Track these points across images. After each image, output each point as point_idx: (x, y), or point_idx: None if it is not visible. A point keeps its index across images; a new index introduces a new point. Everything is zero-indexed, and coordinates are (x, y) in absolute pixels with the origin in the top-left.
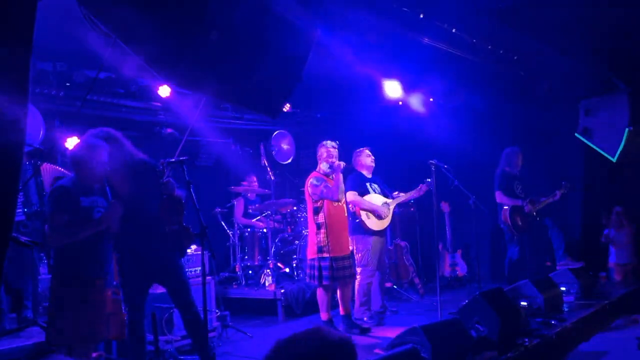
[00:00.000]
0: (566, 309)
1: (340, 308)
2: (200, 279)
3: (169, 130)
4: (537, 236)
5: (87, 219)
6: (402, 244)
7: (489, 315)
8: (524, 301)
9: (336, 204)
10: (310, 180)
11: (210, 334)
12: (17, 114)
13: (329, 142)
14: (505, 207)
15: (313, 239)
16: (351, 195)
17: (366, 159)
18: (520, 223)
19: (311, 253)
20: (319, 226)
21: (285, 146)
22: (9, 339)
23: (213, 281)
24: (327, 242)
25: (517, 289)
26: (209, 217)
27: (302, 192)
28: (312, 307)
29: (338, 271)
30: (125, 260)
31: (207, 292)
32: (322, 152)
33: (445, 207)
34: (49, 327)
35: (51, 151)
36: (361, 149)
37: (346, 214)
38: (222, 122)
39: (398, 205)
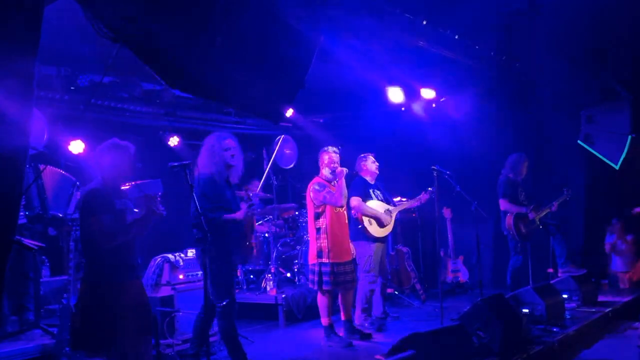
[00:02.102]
0: (568, 316)
1: (342, 313)
2: (201, 283)
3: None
4: (539, 243)
5: (122, 222)
6: (404, 249)
7: (491, 322)
8: (526, 308)
9: (337, 209)
10: (313, 185)
11: (211, 339)
12: (22, 118)
13: (330, 147)
14: (509, 214)
15: (314, 244)
16: (355, 201)
17: (371, 165)
18: (523, 230)
19: (312, 258)
20: (319, 231)
21: (287, 151)
22: (11, 342)
23: None
24: (328, 248)
25: (519, 295)
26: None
27: (304, 197)
28: (313, 312)
29: (339, 276)
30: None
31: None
32: (323, 157)
33: (447, 213)
34: (78, 331)
35: (54, 155)
36: (366, 154)
37: (347, 220)
38: (224, 126)
39: (400, 212)
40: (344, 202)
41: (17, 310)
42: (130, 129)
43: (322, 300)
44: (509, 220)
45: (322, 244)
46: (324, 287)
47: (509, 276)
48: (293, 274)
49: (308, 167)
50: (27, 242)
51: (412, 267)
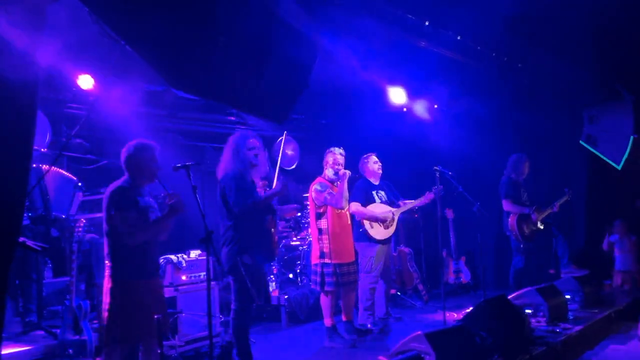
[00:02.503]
0: (571, 317)
1: (343, 314)
2: (205, 284)
3: None
4: (541, 244)
5: (145, 220)
6: (406, 250)
7: (494, 322)
8: (529, 309)
9: (339, 210)
10: (315, 185)
11: (214, 340)
12: (26, 122)
13: (336, 148)
14: (512, 215)
15: (316, 245)
16: (354, 207)
17: (373, 166)
18: (526, 231)
19: (314, 258)
20: (321, 232)
21: (289, 152)
22: (14, 343)
23: (217, 286)
24: (330, 248)
25: (522, 296)
26: (214, 222)
27: (306, 198)
28: (316, 313)
29: (341, 277)
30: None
31: (211, 297)
32: (328, 158)
33: (449, 213)
34: (105, 328)
35: (58, 156)
36: (368, 154)
37: (349, 221)
38: (226, 128)
39: (402, 212)
40: (345, 204)
41: (20, 312)
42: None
43: (325, 301)
44: (511, 220)
45: (324, 245)
46: (327, 288)
47: (511, 277)
48: (295, 274)
49: (310, 168)
50: (30, 243)
51: (414, 268)
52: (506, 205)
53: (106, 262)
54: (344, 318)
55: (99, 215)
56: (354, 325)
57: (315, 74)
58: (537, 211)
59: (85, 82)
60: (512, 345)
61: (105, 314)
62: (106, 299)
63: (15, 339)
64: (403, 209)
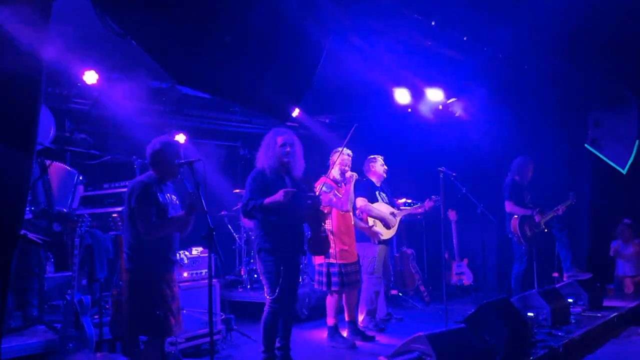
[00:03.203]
0: (573, 321)
1: (346, 314)
2: (206, 281)
3: None
4: (544, 247)
5: (164, 216)
6: (409, 251)
7: (496, 325)
8: (531, 312)
9: (343, 212)
10: (320, 185)
11: (215, 337)
12: (30, 116)
13: (344, 149)
14: (514, 217)
15: None
16: (361, 202)
17: (380, 168)
18: (529, 233)
19: (319, 258)
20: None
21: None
22: (15, 337)
23: (219, 284)
24: (335, 249)
25: (524, 299)
26: (216, 219)
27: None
28: (316, 312)
29: (346, 277)
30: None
31: (212, 294)
32: (335, 158)
33: (452, 215)
34: (123, 320)
35: (61, 150)
36: (375, 156)
37: (353, 222)
38: (230, 125)
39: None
40: (349, 207)
41: (21, 306)
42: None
43: (330, 301)
44: (514, 222)
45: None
46: (333, 288)
47: (513, 279)
48: None
49: (312, 168)
50: (32, 236)
51: (416, 269)
52: (509, 207)
53: (125, 254)
54: (347, 318)
55: (101, 210)
56: (356, 326)
57: (321, 73)
58: (540, 213)
59: (90, 77)
60: (514, 348)
61: (125, 306)
62: (125, 291)
63: (16, 333)
64: (404, 212)
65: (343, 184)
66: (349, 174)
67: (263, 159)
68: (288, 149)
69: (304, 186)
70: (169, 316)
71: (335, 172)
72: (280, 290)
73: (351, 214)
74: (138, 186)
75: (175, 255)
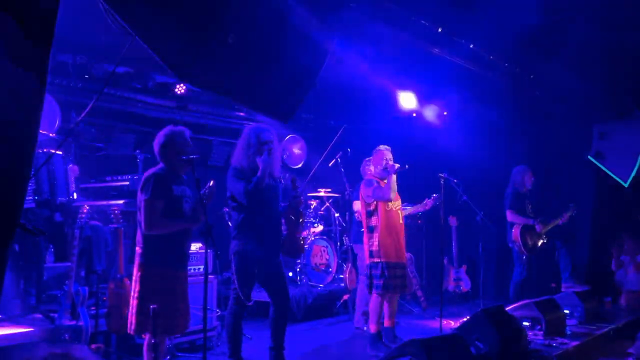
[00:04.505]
0: (569, 332)
1: (386, 319)
2: (202, 277)
3: None
4: (544, 257)
5: (178, 209)
6: (407, 255)
7: (490, 332)
8: (526, 321)
9: (389, 206)
10: (362, 183)
11: (210, 333)
12: (33, 106)
13: (382, 146)
14: (515, 226)
15: (366, 244)
16: (357, 205)
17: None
18: (529, 242)
19: (366, 259)
20: (371, 229)
21: (296, 151)
22: (11, 325)
23: (215, 280)
24: (379, 246)
25: (520, 308)
26: (217, 216)
27: (309, 198)
28: (313, 312)
29: (390, 279)
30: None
31: (208, 291)
32: (376, 155)
33: (452, 221)
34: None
35: (64, 141)
36: (371, 159)
37: (402, 221)
38: (234, 123)
39: (405, 217)
40: (393, 196)
41: (18, 294)
42: (141, 120)
43: (373, 304)
44: (515, 231)
45: (373, 243)
46: (375, 290)
47: (511, 288)
48: (295, 273)
49: (317, 168)
50: (29, 226)
51: (414, 274)
52: (510, 216)
53: (137, 248)
54: (386, 324)
55: (103, 202)
56: (394, 332)
57: (326, 75)
58: (541, 223)
59: (99, 70)
60: (507, 356)
61: (134, 302)
62: (135, 286)
63: (13, 321)
64: (404, 213)
65: (385, 179)
66: (390, 163)
67: (241, 157)
68: (270, 147)
69: (284, 184)
70: (179, 316)
71: (375, 170)
72: (247, 293)
73: (399, 212)
74: (148, 178)
75: (188, 251)
